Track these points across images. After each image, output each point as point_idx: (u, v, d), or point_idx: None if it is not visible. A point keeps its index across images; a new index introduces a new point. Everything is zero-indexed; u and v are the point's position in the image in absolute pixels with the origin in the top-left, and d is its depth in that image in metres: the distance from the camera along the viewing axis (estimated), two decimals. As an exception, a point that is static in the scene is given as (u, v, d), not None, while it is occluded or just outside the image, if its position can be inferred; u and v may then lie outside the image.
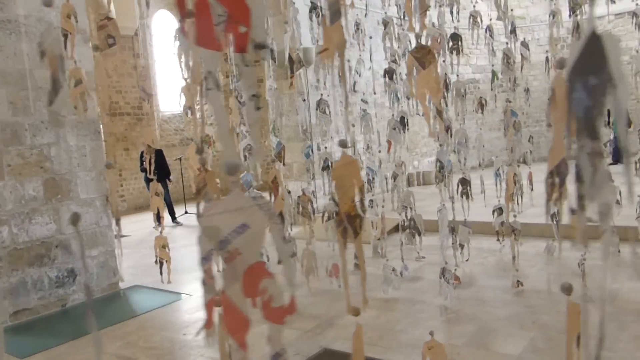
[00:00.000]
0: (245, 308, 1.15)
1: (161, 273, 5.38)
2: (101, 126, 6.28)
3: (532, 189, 6.83)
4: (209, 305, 1.38)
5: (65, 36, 4.75)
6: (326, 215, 5.59)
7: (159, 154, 10.48)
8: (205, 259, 1.29)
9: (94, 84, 5.76)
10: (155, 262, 5.43)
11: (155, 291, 6.03)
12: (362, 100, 6.69)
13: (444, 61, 5.19)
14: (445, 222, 4.88)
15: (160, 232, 5.26)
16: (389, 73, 5.48)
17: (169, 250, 5.37)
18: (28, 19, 5.44)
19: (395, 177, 5.71)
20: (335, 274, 5.55)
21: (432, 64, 2.82)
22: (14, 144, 5.31)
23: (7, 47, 5.28)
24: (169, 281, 5.45)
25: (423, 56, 2.85)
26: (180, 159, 12.24)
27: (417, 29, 3.36)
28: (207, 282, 1.36)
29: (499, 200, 5.71)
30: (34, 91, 5.42)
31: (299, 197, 5.18)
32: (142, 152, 10.65)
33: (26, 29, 5.41)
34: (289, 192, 5.49)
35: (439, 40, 4.61)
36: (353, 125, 5.86)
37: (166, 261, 5.37)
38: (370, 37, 5.64)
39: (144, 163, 5.05)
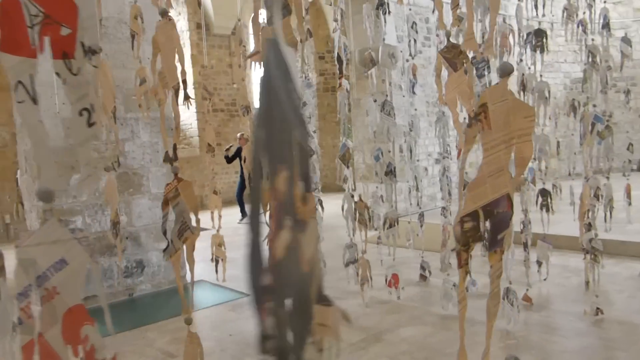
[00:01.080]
0: (65, 356, 1.00)
1: (216, 271, 5.43)
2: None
3: (630, 203, 6.07)
4: (26, 349, 1.22)
5: (133, 37, 4.91)
6: (387, 222, 5.33)
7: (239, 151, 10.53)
8: (22, 295, 1.15)
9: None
10: (212, 259, 5.50)
11: (218, 288, 6.10)
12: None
13: (521, 60, 4.73)
14: (512, 236, 4.44)
15: (217, 231, 5.31)
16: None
17: (225, 248, 5.41)
18: (108, 21, 5.71)
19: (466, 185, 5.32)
20: (395, 284, 5.28)
21: (464, 65, 2.51)
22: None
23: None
24: (223, 279, 5.50)
25: (454, 56, 2.54)
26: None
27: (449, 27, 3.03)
28: (25, 321, 1.21)
29: (587, 215, 5.12)
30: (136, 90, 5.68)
31: (355, 202, 4.97)
32: (228, 148, 10.81)
33: (106, 30, 5.68)
34: (352, 195, 5.30)
35: (508, 35, 4.18)
36: (411, 130, 5.53)
37: (222, 259, 5.41)
38: (437, 35, 5.28)
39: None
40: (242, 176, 11.04)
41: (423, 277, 5.93)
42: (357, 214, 5.02)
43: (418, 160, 5.81)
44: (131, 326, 4.95)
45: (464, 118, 2.81)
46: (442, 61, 2.61)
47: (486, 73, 4.30)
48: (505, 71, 1.63)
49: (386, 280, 5.26)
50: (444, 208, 5.88)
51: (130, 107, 5.85)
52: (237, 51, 5.78)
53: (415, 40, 5.58)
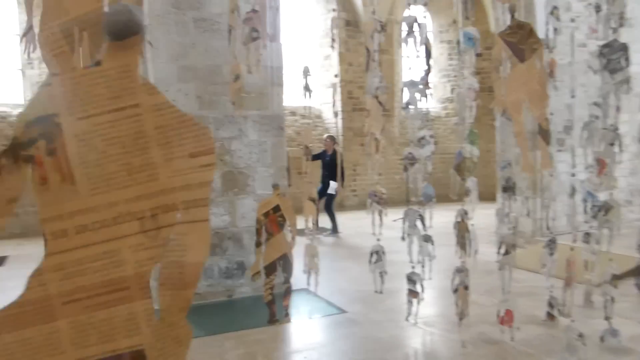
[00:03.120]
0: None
1: (308, 284, 5.06)
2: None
3: None
4: None
5: (230, 31, 4.69)
6: (503, 248, 4.50)
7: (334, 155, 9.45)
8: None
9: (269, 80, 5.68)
10: (304, 271, 5.13)
11: (317, 299, 5.73)
12: (594, 103, 5.24)
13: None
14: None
15: (312, 241, 4.92)
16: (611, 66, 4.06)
17: (318, 260, 5.00)
18: (221, 17, 5.61)
19: (608, 209, 4.28)
20: (508, 322, 4.44)
21: (535, 53, 1.76)
22: (197, 136, 5.56)
23: (200, 44, 5.53)
24: (316, 291, 5.10)
25: (521, 40, 1.81)
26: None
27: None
28: None
29: None
30: (221, 86, 5.58)
31: (457, 222, 4.25)
32: (324, 151, 9.95)
33: (219, 26, 5.59)
34: (465, 212, 4.58)
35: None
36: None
37: (314, 272, 5.01)
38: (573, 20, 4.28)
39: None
40: (323, 183, 9.26)
41: (551, 317, 4.94)
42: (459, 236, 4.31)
43: (573, 175, 4.82)
44: (215, 331, 4.78)
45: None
46: (503, 47, 1.90)
47: (624, 65, 3.30)
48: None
49: (498, 316, 4.44)
50: (587, 234, 4.84)
51: (239, 104, 5.70)
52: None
53: (555, 29, 4.65)
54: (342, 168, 5.12)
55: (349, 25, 14.35)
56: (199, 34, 5.52)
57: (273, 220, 2.78)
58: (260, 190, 5.89)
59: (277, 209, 2.66)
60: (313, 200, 4.81)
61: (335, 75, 4.49)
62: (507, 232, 4.47)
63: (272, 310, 2.68)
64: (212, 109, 5.60)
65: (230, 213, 5.75)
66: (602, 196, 4.59)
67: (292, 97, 11.10)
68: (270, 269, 2.68)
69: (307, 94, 4.66)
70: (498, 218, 5.31)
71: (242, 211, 5.80)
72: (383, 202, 4.87)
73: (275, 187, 2.75)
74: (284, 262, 2.83)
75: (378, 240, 4.85)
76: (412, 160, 4.40)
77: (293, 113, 13.63)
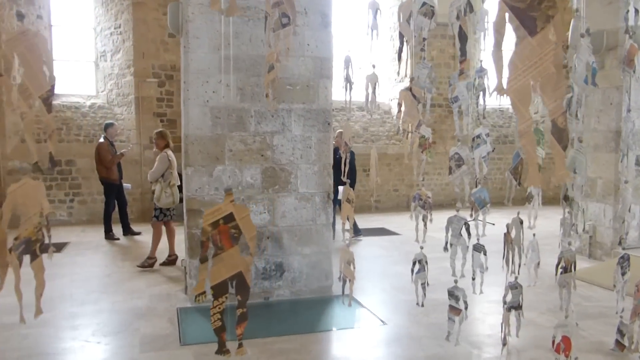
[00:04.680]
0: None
1: (343, 292, 4.68)
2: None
3: None
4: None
5: (266, 18, 4.37)
6: (562, 264, 3.92)
7: (352, 155, 8.77)
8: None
9: (313, 74, 5.34)
10: (339, 278, 4.76)
11: (356, 308, 5.35)
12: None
13: None
14: None
15: (348, 246, 4.54)
16: None
17: (354, 267, 4.61)
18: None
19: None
20: (564, 350, 3.86)
21: (550, 23, 1.29)
22: (238, 129, 5.33)
23: (243, 34, 5.28)
24: (349, 303, 4.71)
25: (532, 5, 1.34)
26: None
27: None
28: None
29: None
30: (264, 78, 5.31)
31: (505, 234, 3.74)
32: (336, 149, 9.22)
33: (264, 15, 5.31)
34: (520, 221, 4.07)
35: None
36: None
37: (349, 280, 4.62)
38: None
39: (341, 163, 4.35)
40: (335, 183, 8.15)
41: (620, 346, 4.28)
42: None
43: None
44: (267, 334, 4.53)
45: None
46: (504, 14, 1.42)
47: None
48: None
49: (553, 343, 3.87)
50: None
51: (282, 97, 5.41)
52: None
53: (637, 11, 3.99)
54: (352, 168, 4.68)
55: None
56: (243, 23, 5.27)
57: (224, 232, 2.41)
58: (303, 188, 5.58)
59: (229, 218, 2.30)
60: (349, 201, 4.44)
61: (373, 66, 4.04)
62: (566, 246, 3.89)
63: (222, 339, 2.27)
64: (254, 101, 5.34)
65: (270, 211, 5.48)
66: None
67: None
68: (219, 290, 2.26)
69: (348, 85, 4.28)
70: (562, 229, 4.69)
71: (283, 209, 5.51)
72: (428, 206, 4.42)
73: (227, 191, 2.37)
74: (238, 283, 2.38)
75: (421, 248, 4.40)
76: (458, 161, 3.91)
77: (360, 108, 13.25)
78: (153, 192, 7.03)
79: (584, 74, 3.03)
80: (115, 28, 11.55)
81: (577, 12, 3.71)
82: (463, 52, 3.21)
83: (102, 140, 9.08)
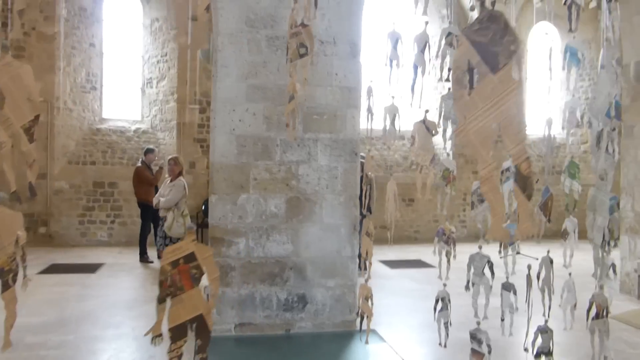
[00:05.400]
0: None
1: (360, 329, 4.53)
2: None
3: None
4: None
5: (287, 48, 4.36)
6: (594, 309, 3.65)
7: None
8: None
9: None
10: (357, 313, 4.61)
11: (381, 344, 5.15)
12: None
13: None
14: None
15: (366, 281, 4.40)
16: None
17: (372, 304, 4.45)
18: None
19: None
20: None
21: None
22: (263, 158, 5.32)
23: (271, 63, 5.30)
24: (366, 341, 4.54)
25: (494, 40, 1.22)
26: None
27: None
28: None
29: None
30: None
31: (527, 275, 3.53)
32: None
33: (287, 44, 5.32)
34: (550, 260, 3.85)
35: None
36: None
37: (367, 316, 4.47)
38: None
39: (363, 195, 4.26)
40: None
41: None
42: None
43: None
44: None
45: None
46: (466, 49, 1.30)
47: None
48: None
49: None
50: None
51: (309, 127, 5.37)
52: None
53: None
54: (368, 195, 4.54)
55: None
56: (271, 52, 5.30)
57: (184, 272, 2.31)
58: (328, 219, 5.48)
59: (191, 258, 2.21)
60: (369, 234, 4.32)
61: (393, 97, 3.93)
62: (598, 290, 3.62)
63: None
64: (281, 130, 5.32)
65: (294, 241, 5.40)
66: None
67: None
68: (177, 333, 2.12)
69: (370, 116, 4.20)
70: (597, 269, 4.39)
71: (307, 240, 5.43)
72: (452, 241, 4.24)
73: (189, 230, 2.30)
74: (198, 326, 2.25)
75: (445, 285, 4.21)
76: (480, 196, 3.74)
77: (402, 137, 13.09)
78: (161, 220, 7.02)
79: (605, 107, 2.84)
80: (162, 56, 11.93)
81: (607, 41, 3.53)
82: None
83: (139, 164, 9.31)
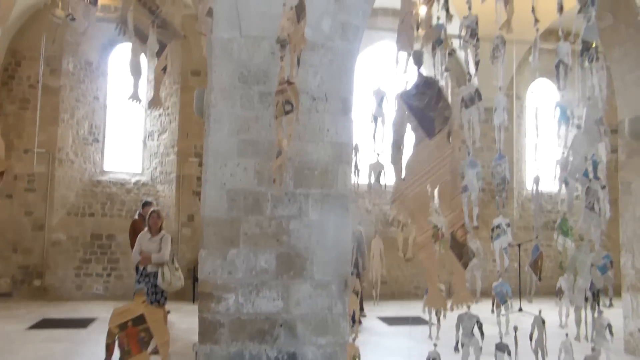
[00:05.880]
0: None
1: (347, 392, 4.36)
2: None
3: None
4: None
5: (276, 105, 4.41)
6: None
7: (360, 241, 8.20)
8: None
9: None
10: (343, 376, 4.46)
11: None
12: None
13: None
14: None
15: (353, 340, 4.29)
16: None
17: (360, 365, 4.32)
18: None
19: None
20: None
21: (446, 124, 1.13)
22: (254, 213, 5.29)
23: (263, 118, 5.35)
24: (354, 405, 4.38)
25: (429, 105, 1.22)
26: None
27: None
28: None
29: None
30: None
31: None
32: None
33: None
34: (542, 321, 3.76)
35: None
36: None
37: (355, 378, 4.32)
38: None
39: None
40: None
41: None
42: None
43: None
44: None
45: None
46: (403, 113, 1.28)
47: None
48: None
49: None
50: None
51: (300, 182, 5.37)
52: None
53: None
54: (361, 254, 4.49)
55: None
56: (264, 108, 5.36)
57: (132, 335, 2.26)
58: (319, 275, 5.39)
59: (140, 320, 2.16)
60: (356, 292, 4.24)
61: (378, 154, 3.94)
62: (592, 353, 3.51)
63: None
64: (272, 185, 5.30)
65: (284, 298, 5.29)
66: None
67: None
68: None
69: (356, 172, 4.20)
70: (579, 331, 4.25)
71: (297, 297, 5.32)
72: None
73: (138, 293, 2.26)
74: None
75: (435, 345, 4.10)
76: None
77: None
78: (149, 276, 6.80)
79: (582, 166, 2.84)
80: (164, 109, 12.14)
81: (589, 100, 3.56)
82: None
83: (136, 217, 9.31)
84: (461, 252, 1.99)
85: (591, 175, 2.98)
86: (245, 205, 5.28)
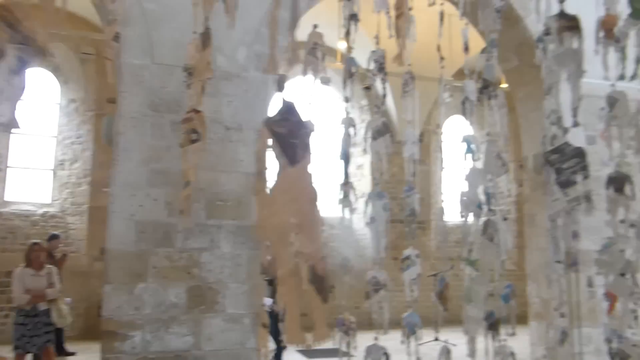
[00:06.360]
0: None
1: None
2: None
3: None
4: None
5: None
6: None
7: None
8: None
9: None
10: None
11: None
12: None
13: None
14: None
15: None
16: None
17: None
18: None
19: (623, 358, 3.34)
20: None
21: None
22: (164, 245, 5.10)
23: (175, 148, 5.10)
24: None
25: (292, 132, 1.22)
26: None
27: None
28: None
29: None
30: (195, 192, 5.17)
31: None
32: None
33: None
34: (448, 351, 3.80)
35: None
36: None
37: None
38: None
39: None
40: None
41: None
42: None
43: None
44: None
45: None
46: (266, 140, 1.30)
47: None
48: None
49: None
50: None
51: (213, 213, 5.25)
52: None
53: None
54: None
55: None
56: (176, 137, 5.18)
57: None
58: (232, 309, 5.24)
59: None
60: (265, 325, 4.14)
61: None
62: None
63: None
64: (187, 216, 5.16)
65: (195, 333, 5.09)
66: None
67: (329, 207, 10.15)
68: None
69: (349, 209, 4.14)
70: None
71: (209, 332, 5.13)
72: (352, 332, 4.12)
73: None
74: None
75: (346, 380, 4.05)
76: (376, 285, 3.70)
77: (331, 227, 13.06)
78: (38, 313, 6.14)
79: (475, 199, 2.95)
80: (76, 137, 11.59)
81: (488, 136, 3.73)
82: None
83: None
84: (322, 286, 1.96)
85: (485, 208, 3.09)
86: (154, 237, 5.08)
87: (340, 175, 3.29)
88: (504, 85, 9.75)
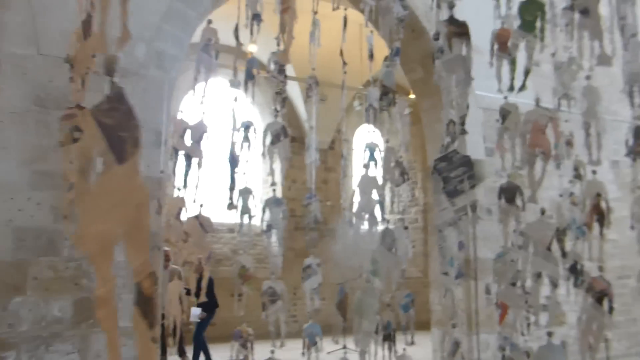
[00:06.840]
0: None
1: None
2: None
3: None
4: None
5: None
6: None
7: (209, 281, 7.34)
8: None
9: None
10: None
11: None
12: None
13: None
14: None
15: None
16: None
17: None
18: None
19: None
20: None
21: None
22: (47, 254, 4.65)
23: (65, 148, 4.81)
24: None
25: (121, 124, 1.09)
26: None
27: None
28: None
29: None
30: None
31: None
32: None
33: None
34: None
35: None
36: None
37: None
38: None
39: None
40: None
41: None
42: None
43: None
44: None
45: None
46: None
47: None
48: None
49: None
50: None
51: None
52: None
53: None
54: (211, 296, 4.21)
55: (293, 141, 14.02)
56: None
57: None
58: (124, 322, 4.86)
59: None
60: (155, 340, 3.85)
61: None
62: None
63: None
64: (72, 222, 4.74)
65: (81, 350, 4.68)
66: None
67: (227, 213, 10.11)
68: None
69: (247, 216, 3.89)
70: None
71: (98, 348, 4.73)
72: (250, 346, 3.94)
73: None
74: None
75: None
76: (272, 296, 3.55)
77: (231, 230, 12.79)
78: None
79: (370, 206, 2.89)
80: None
81: (387, 143, 3.72)
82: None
83: None
84: (148, 307, 1.76)
85: (379, 216, 3.05)
86: (36, 245, 4.63)
87: (229, 180, 3.13)
88: (412, 96, 10.00)
